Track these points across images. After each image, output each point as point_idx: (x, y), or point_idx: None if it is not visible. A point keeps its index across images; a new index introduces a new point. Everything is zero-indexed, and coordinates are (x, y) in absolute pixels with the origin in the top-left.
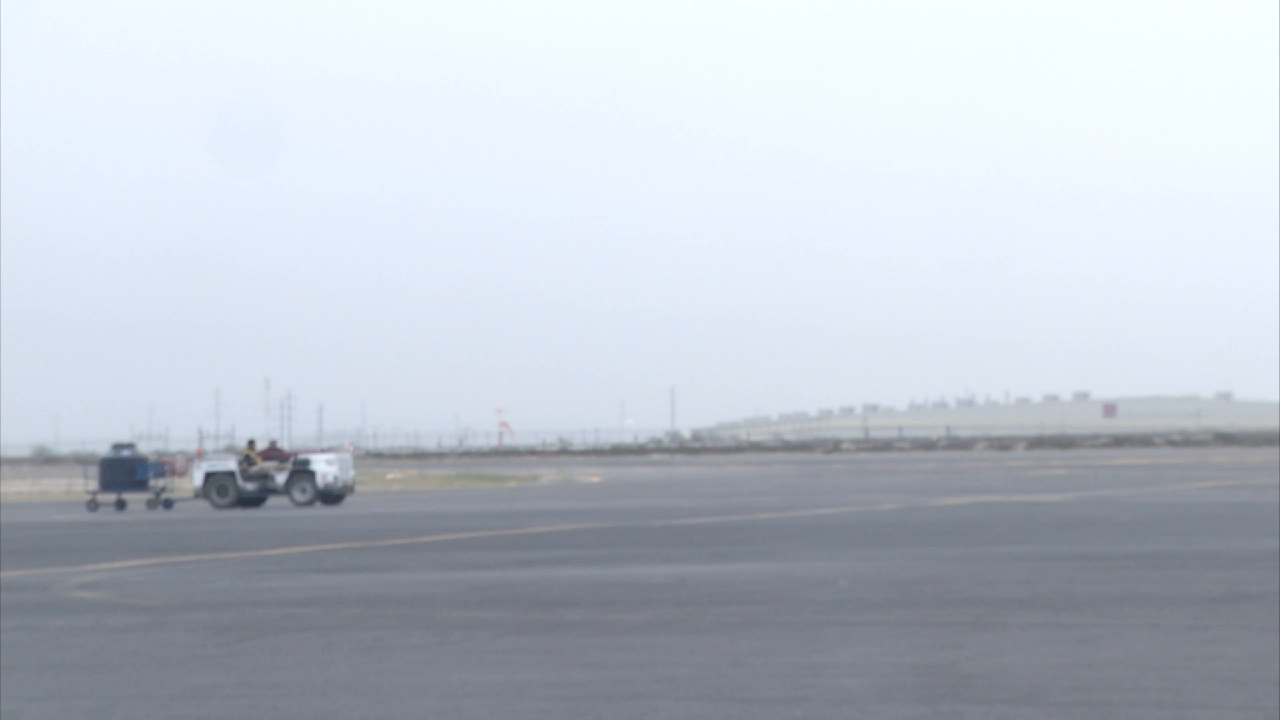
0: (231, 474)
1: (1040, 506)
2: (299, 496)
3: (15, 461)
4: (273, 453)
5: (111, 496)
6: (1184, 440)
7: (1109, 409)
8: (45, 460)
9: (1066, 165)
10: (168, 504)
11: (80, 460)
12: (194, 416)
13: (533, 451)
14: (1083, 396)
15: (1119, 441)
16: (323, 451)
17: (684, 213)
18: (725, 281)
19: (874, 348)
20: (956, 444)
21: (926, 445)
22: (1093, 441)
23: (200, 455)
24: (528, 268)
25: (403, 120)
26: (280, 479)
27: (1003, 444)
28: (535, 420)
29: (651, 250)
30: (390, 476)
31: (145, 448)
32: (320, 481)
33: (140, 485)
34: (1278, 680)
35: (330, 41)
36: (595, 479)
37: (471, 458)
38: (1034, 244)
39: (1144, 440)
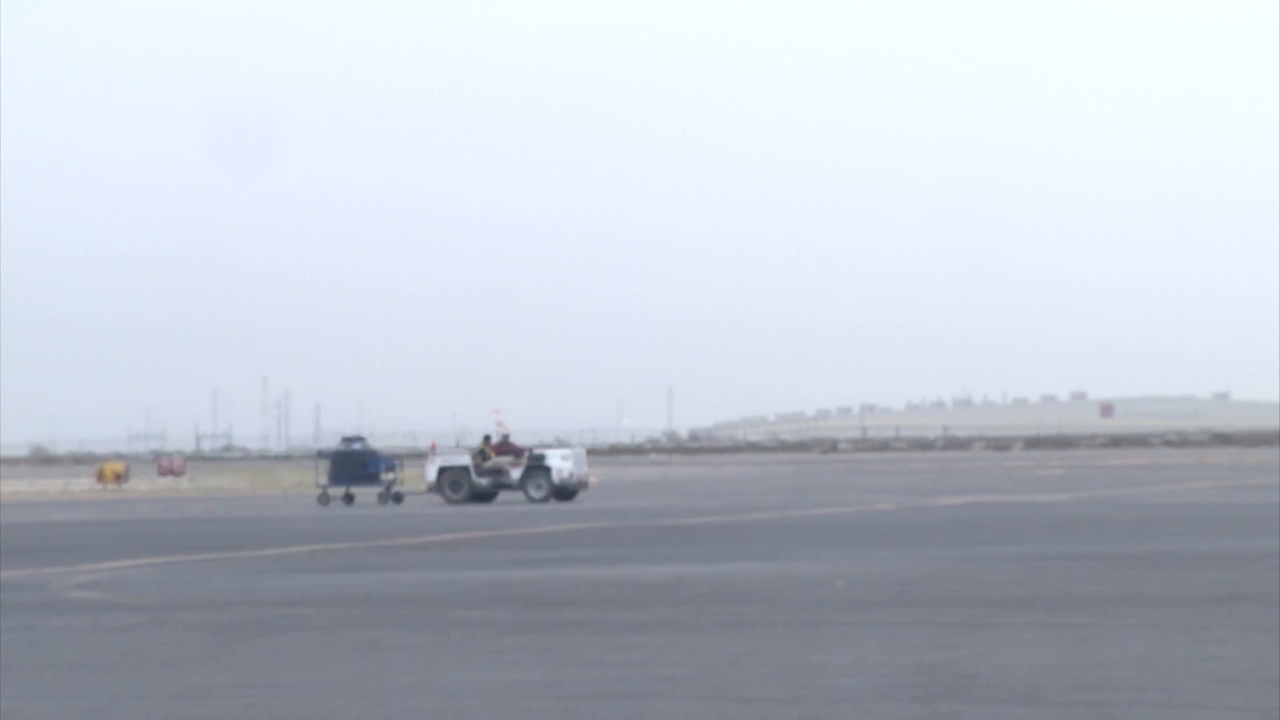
0: (466, 469)
1: (1037, 506)
2: (534, 493)
3: (12, 461)
4: (507, 448)
5: (341, 490)
6: (1181, 440)
7: (1106, 409)
8: (43, 460)
9: (1063, 167)
10: (398, 498)
11: (77, 459)
12: (191, 416)
13: None
14: (1080, 397)
15: (1116, 442)
16: (557, 447)
17: (681, 213)
18: (722, 281)
19: (871, 348)
20: (954, 444)
21: (924, 445)
22: (1090, 442)
23: (434, 450)
24: (525, 268)
25: (400, 123)
26: (515, 474)
27: (1000, 444)
28: (532, 420)
29: (649, 250)
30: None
31: (141, 448)
32: (556, 477)
33: (371, 479)
34: (1275, 680)
35: (328, 43)
36: (592, 479)
37: None
38: (1031, 244)
39: (1141, 440)
